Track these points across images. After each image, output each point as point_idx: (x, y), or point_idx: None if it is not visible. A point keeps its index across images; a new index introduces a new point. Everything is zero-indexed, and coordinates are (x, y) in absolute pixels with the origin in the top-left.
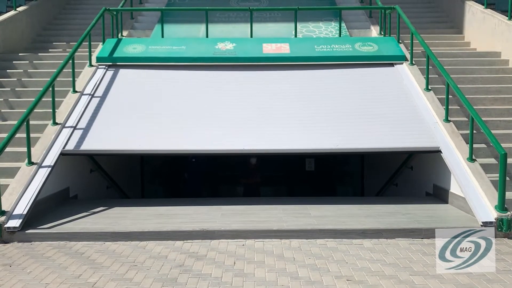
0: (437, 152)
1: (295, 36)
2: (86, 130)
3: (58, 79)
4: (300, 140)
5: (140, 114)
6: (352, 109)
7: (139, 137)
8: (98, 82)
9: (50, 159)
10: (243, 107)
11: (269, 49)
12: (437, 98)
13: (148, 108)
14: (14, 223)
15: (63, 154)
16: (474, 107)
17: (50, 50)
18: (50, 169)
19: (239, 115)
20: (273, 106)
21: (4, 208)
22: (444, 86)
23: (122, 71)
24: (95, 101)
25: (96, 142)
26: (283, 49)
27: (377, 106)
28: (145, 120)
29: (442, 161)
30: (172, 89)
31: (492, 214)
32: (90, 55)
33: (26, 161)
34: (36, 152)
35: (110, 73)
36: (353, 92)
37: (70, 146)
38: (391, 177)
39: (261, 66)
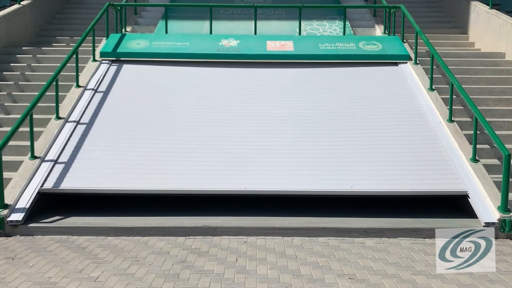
0: (464, 196)
1: (299, 34)
2: (77, 147)
3: (61, 73)
4: (309, 176)
5: (137, 127)
6: (358, 118)
7: (130, 168)
8: (101, 77)
9: (53, 153)
10: (243, 127)
11: (273, 46)
12: (441, 98)
13: (145, 117)
14: (17, 216)
15: (40, 194)
16: (478, 107)
17: (53, 44)
18: (53, 163)
19: (236, 142)
20: (276, 129)
21: (6, 201)
22: (448, 86)
23: (125, 67)
24: (98, 96)
25: (83, 176)
26: (287, 46)
27: (382, 112)
28: (138, 140)
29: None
30: (174, 89)
31: (494, 215)
32: (93, 50)
33: (29, 155)
34: (39, 146)
35: (113, 68)
36: (357, 95)
37: (50, 183)
38: None
39: (265, 63)
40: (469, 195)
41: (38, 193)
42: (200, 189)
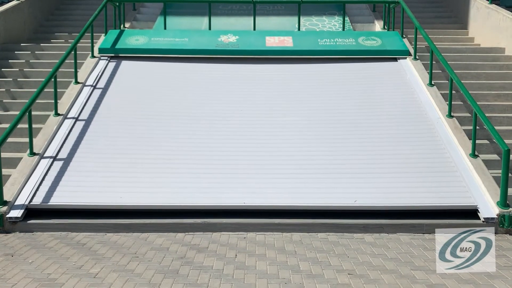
0: (474, 210)
1: (298, 29)
2: (74, 149)
3: (60, 70)
4: (309, 189)
5: (134, 130)
6: (355, 117)
7: (123, 181)
8: (100, 74)
9: (52, 150)
10: (239, 137)
11: (272, 42)
12: (440, 93)
13: (142, 118)
14: (16, 213)
15: (28, 209)
16: (477, 102)
17: (52, 40)
18: (52, 159)
19: (231, 155)
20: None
21: (6, 198)
22: (447, 81)
23: (124, 63)
24: (97, 92)
25: (76, 190)
26: (286, 42)
27: (381, 109)
28: (134, 147)
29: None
30: (172, 86)
31: (494, 210)
32: (92, 46)
33: (28, 151)
34: (38, 143)
35: (112, 64)
36: (355, 92)
37: (39, 197)
38: None
39: (264, 59)
40: (479, 209)
41: (26, 208)
42: (196, 204)
